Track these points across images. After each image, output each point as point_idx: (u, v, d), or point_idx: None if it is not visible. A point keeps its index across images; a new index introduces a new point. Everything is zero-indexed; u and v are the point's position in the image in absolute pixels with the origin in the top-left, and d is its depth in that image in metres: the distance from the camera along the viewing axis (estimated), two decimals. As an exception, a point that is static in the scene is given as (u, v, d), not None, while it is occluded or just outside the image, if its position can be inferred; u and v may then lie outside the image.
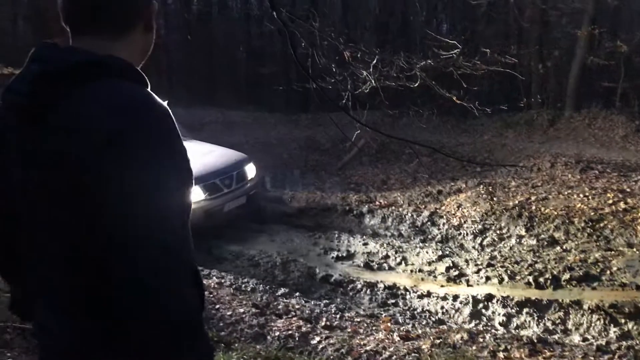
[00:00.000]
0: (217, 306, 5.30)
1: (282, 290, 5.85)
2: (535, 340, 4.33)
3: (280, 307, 5.25)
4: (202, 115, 16.51)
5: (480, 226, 7.34)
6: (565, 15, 15.23)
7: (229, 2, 22.57)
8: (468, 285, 5.90)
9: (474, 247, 7.01)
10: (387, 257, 6.74)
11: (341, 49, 4.58)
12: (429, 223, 7.70)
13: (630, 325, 4.92)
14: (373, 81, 5.44)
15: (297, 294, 5.81)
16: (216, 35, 21.78)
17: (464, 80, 5.83)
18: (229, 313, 5.07)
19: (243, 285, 6.00)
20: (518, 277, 5.87)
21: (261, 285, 6.00)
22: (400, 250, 6.91)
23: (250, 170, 8.20)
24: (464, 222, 7.53)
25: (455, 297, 5.57)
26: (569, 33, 15.27)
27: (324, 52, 4.71)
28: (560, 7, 14.56)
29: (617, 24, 17.13)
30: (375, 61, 5.18)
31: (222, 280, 6.09)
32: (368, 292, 5.84)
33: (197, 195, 7.16)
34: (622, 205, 7.26)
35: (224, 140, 13.57)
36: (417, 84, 5.82)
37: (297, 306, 5.33)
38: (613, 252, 6.30)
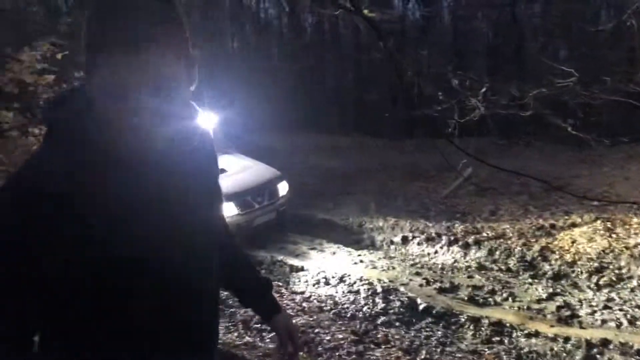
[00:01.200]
0: (317, 330, 5.31)
1: (381, 319, 5.76)
2: (658, 394, 3.95)
3: (379, 336, 5.18)
4: (307, 140, 16.84)
5: (596, 264, 6.85)
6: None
7: (340, 30, 23.00)
8: (581, 328, 5.51)
9: (588, 287, 6.54)
10: (493, 291, 6.46)
11: (449, 76, 4.50)
12: (539, 258, 7.30)
13: None
14: (481, 109, 5.29)
15: (397, 323, 5.71)
16: (326, 63, 22.23)
17: (581, 109, 5.52)
18: (327, 338, 5.06)
19: (343, 311, 5.98)
20: (639, 323, 5.40)
21: (361, 312, 5.96)
22: (508, 285, 6.60)
23: (283, 188, 8.86)
24: (579, 259, 7.06)
25: (567, 340, 5.22)
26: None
27: (431, 79, 4.66)
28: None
29: None
30: (484, 89, 5.04)
31: (323, 305, 6.11)
32: (471, 327, 5.61)
33: (230, 210, 7.90)
34: None
35: (326, 165, 13.80)
36: (529, 113, 5.58)
37: (396, 336, 5.24)
38: None
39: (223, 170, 8.28)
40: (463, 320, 5.73)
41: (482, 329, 5.53)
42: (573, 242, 7.49)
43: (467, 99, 5.27)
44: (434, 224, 8.65)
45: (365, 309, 6.01)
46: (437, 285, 6.67)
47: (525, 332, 5.45)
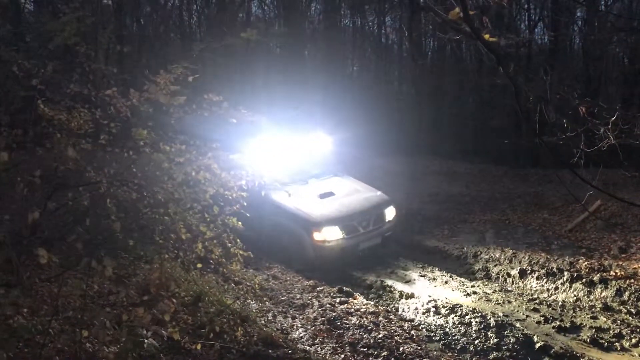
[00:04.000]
0: (424, 360, 5.19)
1: (494, 354, 5.52)
2: None
3: (490, 372, 4.96)
4: (426, 164, 16.64)
5: None
6: None
7: (463, 54, 22.64)
8: None
9: None
10: (620, 335, 5.96)
11: (575, 103, 4.27)
12: (676, 303, 6.65)
13: None
14: (612, 138, 4.95)
15: (510, 361, 5.44)
16: (446, 87, 21.93)
17: None
18: (435, 370, 4.94)
19: (452, 343, 5.80)
20: None
21: (472, 345, 5.74)
22: (638, 330, 6.06)
23: (390, 213, 8.82)
24: None
25: None
26: None
27: (555, 106, 4.44)
28: None
29: None
30: (615, 117, 4.72)
31: (432, 335, 5.97)
32: (593, 372, 5.22)
33: (335, 234, 8.03)
34: None
35: (444, 190, 13.51)
36: (667, 144, 5.14)
37: (508, 375, 4.98)
38: None
39: (331, 193, 8.69)
40: (584, 363, 5.35)
41: (606, 375, 5.12)
42: None
43: (596, 128, 4.95)
44: (555, 258, 8.16)
45: (476, 342, 5.78)
46: (556, 323, 6.27)
47: (656, 383, 4.97)
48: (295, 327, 5.76)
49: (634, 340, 5.81)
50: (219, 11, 18.63)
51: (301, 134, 9.19)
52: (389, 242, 8.87)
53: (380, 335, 5.55)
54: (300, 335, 5.56)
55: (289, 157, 8.36)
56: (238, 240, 5.18)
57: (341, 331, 5.65)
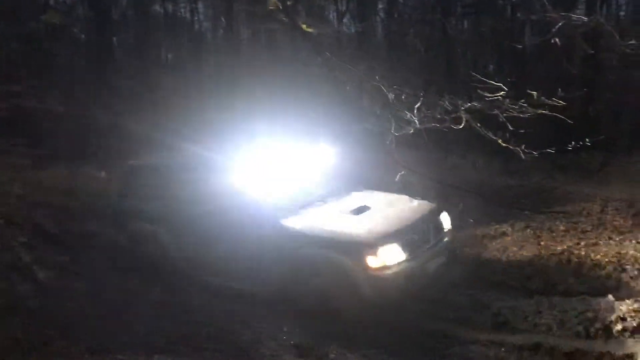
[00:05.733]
0: None
1: None
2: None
3: None
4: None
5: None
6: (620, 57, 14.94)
7: (278, 44, 22.98)
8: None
9: (522, 293, 6.60)
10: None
11: (385, 91, 4.61)
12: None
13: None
14: (417, 122, 5.43)
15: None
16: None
17: (512, 122, 5.74)
18: None
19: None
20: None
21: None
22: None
23: (446, 220, 6.81)
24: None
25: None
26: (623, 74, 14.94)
27: (369, 94, 4.74)
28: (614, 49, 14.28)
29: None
30: (419, 103, 5.18)
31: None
32: None
33: (397, 255, 5.60)
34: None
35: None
36: (462, 126, 5.77)
37: None
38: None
39: (366, 207, 6.47)
40: None
41: None
42: (504, 250, 7.77)
43: (403, 113, 5.40)
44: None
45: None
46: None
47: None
48: None
49: None
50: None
51: (301, 145, 7.16)
52: (455, 258, 6.96)
53: None
54: None
55: (291, 173, 6.74)
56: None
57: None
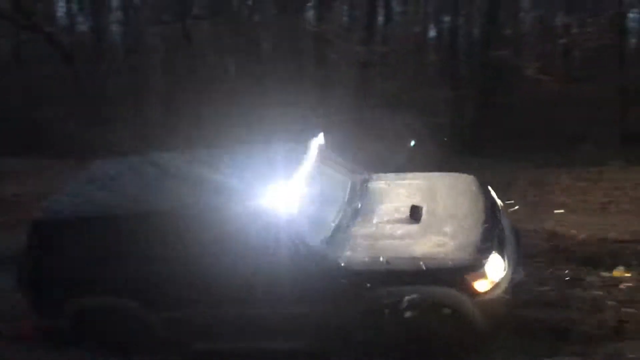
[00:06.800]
0: None
1: None
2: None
3: None
4: None
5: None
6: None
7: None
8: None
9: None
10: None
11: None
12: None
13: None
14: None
15: None
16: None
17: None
18: None
19: None
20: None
21: None
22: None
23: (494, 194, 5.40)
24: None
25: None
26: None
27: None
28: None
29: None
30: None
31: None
32: None
33: (500, 266, 4.23)
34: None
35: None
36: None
37: None
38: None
39: (416, 208, 4.73)
40: None
41: None
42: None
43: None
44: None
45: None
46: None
47: None
48: None
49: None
50: None
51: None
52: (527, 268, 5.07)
53: None
54: None
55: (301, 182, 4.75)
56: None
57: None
